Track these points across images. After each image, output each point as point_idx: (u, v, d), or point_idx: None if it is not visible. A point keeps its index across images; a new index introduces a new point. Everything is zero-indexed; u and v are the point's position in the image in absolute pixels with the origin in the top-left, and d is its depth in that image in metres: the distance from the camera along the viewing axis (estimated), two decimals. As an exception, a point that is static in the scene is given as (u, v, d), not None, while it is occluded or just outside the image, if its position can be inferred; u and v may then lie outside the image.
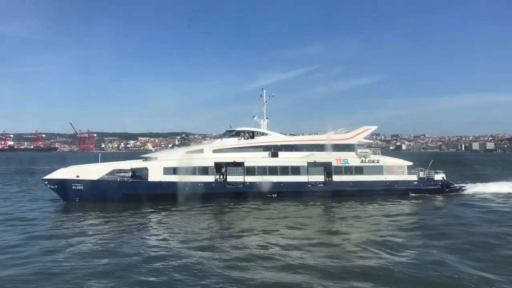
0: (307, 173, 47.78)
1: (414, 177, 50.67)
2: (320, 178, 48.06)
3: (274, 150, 48.93)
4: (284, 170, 47.39)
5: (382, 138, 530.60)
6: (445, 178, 51.63)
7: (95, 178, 44.26)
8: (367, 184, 48.53)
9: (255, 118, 52.45)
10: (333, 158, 48.91)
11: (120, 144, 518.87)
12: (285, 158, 48.37)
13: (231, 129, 50.55)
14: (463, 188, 52.52)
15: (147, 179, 44.93)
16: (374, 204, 43.04)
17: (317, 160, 48.49)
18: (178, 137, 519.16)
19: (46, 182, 44.17)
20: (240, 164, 46.72)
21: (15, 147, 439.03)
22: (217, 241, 26.89)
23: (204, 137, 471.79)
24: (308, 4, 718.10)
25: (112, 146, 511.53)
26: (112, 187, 43.96)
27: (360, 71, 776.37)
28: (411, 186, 49.92)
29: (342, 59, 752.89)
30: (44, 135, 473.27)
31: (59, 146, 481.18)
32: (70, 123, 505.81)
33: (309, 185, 47.40)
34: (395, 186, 49.20)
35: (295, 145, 50.09)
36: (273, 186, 46.30)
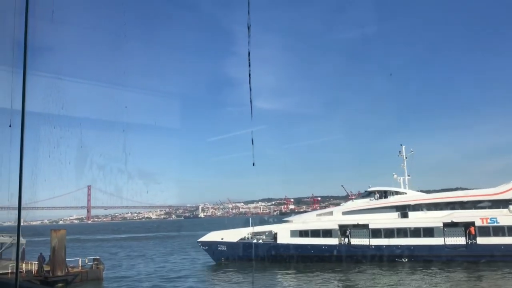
0: (443, 235, 42.19)
1: None
2: (460, 240, 41.69)
3: (408, 210, 45.17)
4: (415, 232, 43.10)
5: None
6: None
7: (235, 241, 49.66)
8: (527, 248, 39.39)
9: (395, 176, 49.62)
10: (477, 217, 41.84)
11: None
12: (416, 219, 43.97)
13: (368, 189, 49.29)
14: None
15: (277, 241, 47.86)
16: None
17: (455, 220, 42.36)
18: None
19: (200, 244, 51.91)
20: (365, 226, 44.95)
21: (295, 210, 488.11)
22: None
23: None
24: None
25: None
26: (246, 248, 48.48)
27: None
28: None
29: None
30: (319, 198, 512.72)
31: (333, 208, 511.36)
32: (342, 185, 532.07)
33: (446, 249, 41.63)
34: None
35: (433, 203, 45.00)
36: (402, 249, 42.69)
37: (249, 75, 7.32)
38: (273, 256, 46.53)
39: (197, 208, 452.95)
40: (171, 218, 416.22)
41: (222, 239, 50.43)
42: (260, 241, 49.30)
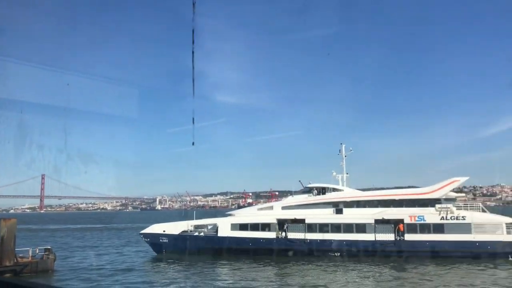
0: (374, 231, 44.28)
1: (515, 238, 41.40)
2: (390, 236, 43.86)
3: (343, 206, 47.03)
4: (348, 228, 45.02)
5: None
6: None
7: (176, 233, 50.26)
8: (449, 245, 41.93)
9: (334, 173, 51.50)
10: (406, 214, 44.12)
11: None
12: (350, 215, 45.92)
13: (308, 186, 50.87)
14: None
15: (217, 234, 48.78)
16: (456, 271, 37.09)
17: (386, 217, 44.53)
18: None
19: (142, 236, 52.21)
20: (301, 221, 46.54)
21: (254, 204, 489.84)
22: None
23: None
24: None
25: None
26: (187, 241, 49.19)
27: None
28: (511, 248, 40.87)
29: None
30: (277, 193, 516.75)
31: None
32: (299, 181, 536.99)
33: (377, 244, 43.71)
34: (487, 248, 41.06)
35: (368, 201, 47.06)
36: (335, 244, 44.51)
37: (193, 52, 7.75)
38: (213, 248, 47.46)
39: (155, 200, 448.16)
40: (127, 210, 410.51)
41: (164, 231, 50.93)
42: (202, 234, 50.10)
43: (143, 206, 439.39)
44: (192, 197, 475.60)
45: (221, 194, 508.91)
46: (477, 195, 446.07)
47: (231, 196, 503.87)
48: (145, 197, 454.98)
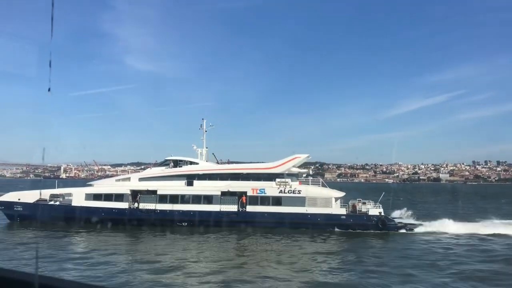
0: (220, 203, 47.16)
1: (342, 211, 46.23)
2: (233, 208, 46.97)
3: (196, 179, 49.34)
4: (196, 199, 47.52)
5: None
6: (382, 214, 45.96)
7: (31, 201, 49.93)
8: (285, 216, 45.75)
9: (194, 147, 53.64)
10: (249, 187, 47.41)
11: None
12: (200, 187, 48.43)
13: (166, 158, 52.55)
14: (409, 226, 46.10)
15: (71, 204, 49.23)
16: (280, 239, 40.25)
17: (232, 190, 47.54)
18: (312, 167, 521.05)
19: (-5, 204, 51.23)
20: (154, 192, 48.31)
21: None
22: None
23: (338, 167, 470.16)
24: (452, 26, 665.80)
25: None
26: (41, 209, 49.13)
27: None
28: (337, 220, 45.60)
29: (492, 82, 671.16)
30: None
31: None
32: (213, 154, 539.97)
33: (221, 215, 46.63)
34: (318, 220, 45.48)
35: (218, 174, 49.77)
36: (183, 214, 46.83)
37: None
38: (66, 217, 47.84)
39: (59, 168, 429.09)
40: (29, 178, 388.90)
41: (19, 199, 50.38)
42: (57, 203, 50.20)
43: (47, 174, 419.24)
44: (100, 167, 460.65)
45: (132, 164, 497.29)
46: (378, 172, 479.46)
47: (142, 166, 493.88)
48: (48, 164, 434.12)
